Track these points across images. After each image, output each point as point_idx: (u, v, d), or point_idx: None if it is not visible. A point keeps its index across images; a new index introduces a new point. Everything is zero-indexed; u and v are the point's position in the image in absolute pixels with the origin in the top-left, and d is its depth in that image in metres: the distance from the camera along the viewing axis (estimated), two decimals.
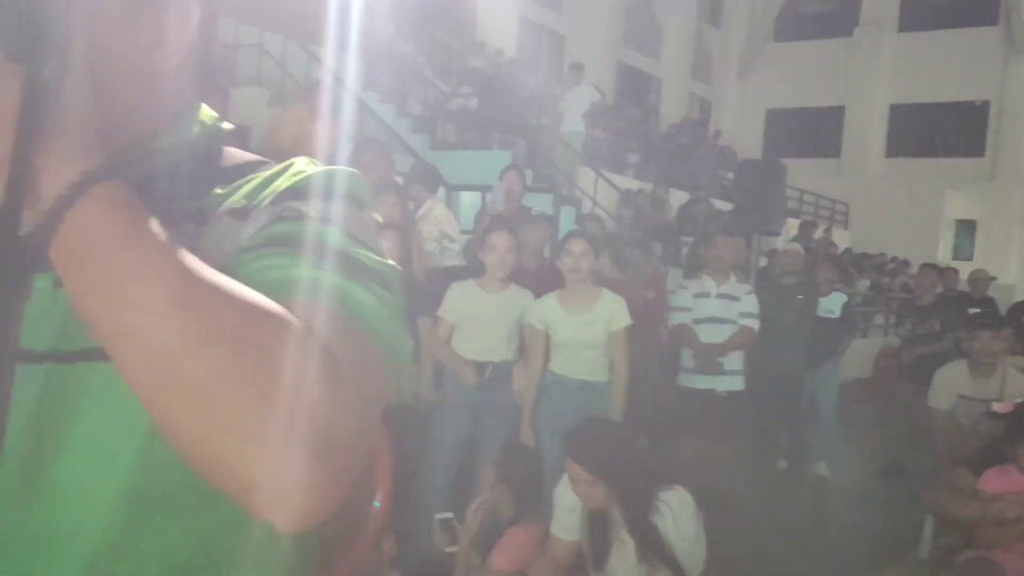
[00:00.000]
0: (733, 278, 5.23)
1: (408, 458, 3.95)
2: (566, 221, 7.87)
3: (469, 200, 7.75)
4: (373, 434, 0.66)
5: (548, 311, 4.14)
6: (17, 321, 0.60)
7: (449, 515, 3.52)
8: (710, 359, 5.04)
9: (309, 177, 0.76)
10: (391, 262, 0.76)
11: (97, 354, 0.62)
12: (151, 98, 0.74)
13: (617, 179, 11.18)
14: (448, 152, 9.61)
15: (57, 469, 0.69)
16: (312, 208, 0.73)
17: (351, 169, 0.80)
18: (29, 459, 0.69)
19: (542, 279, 4.56)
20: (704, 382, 5.08)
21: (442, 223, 5.51)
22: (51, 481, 0.69)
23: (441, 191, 6.63)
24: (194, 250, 0.62)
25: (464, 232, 6.06)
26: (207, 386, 0.57)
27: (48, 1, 0.59)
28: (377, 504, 1.05)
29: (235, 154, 0.83)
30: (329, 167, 0.78)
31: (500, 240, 4.14)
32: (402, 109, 10.34)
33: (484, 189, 7.17)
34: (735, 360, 5.10)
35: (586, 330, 4.08)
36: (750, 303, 5.13)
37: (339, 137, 5.36)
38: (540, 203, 7.68)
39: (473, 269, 4.51)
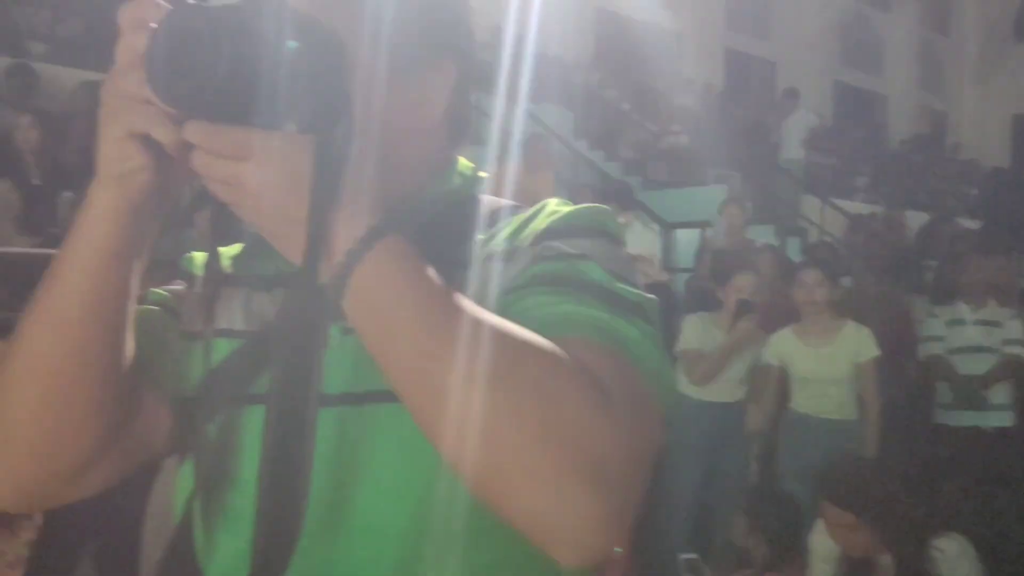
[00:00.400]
0: (993, 302, 4.74)
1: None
2: (792, 252, 7.54)
3: (686, 237, 7.62)
4: (647, 469, 0.66)
5: (785, 346, 3.92)
6: (319, 368, 0.66)
7: (693, 555, 3.40)
8: (973, 393, 4.57)
9: (564, 216, 0.79)
10: (650, 296, 0.77)
11: (385, 396, 0.68)
12: (418, 153, 0.80)
13: (845, 204, 10.58)
14: (662, 191, 9.51)
15: (355, 506, 0.73)
16: (570, 246, 0.75)
17: (603, 206, 0.83)
18: (330, 497, 0.73)
19: (771, 313, 4.34)
20: (967, 418, 4.60)
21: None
22: (351, 517, 0.73)
23: (656, 227, 6.57)
24: (466, 294, 0.66)
25: (684, 270, 5.95)
26: (490, 423, 0.60)
27: (332, 76, 0.64)
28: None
29: (492, 201, 0.87)
30: (581, 205, 0.81)
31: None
32: (612, 153, 10.37)
33: (702, 225, 7.01)
34: (1002, 393, 4.58)
35: (829, 364, 3.83)
36: (1015, 329, 4.62)
37: (554, 186, 5.42)
38: (763, 235, 7.41)
39: (693, 303, 4.40)
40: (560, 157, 7.82)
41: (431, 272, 0.65)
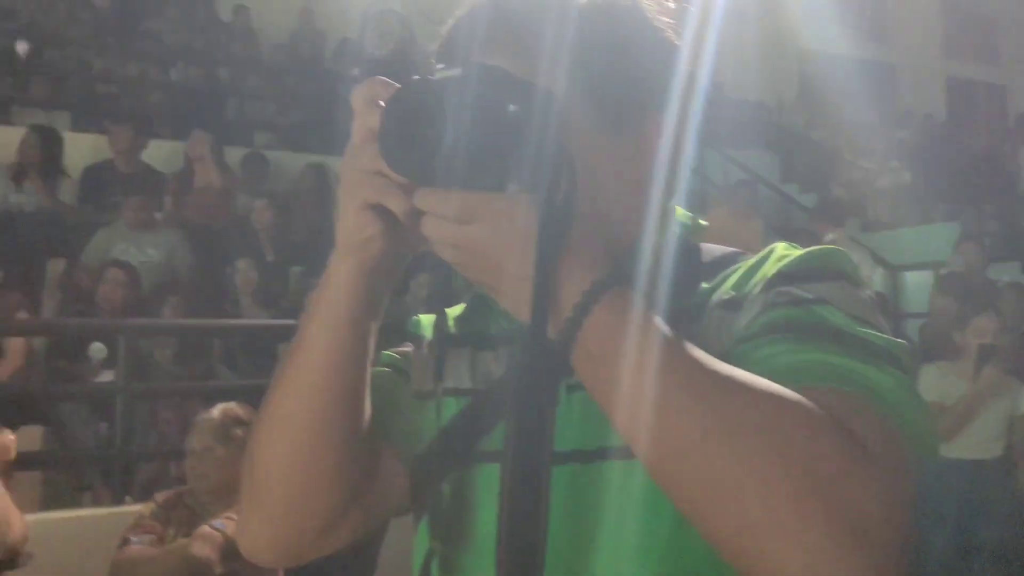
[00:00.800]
0: None
1: None
2: None
3: (915, 280, 7.11)
4: (910, 528, 0.63)
5: None
6: (552, 426, 0.67)
7: None
8: None
9: (796, 260, 0.76)
10: (900, 340, 0.71)
11: (615, 453, 0.69)
12: (635, 205, 0.79)
13: None
14: (884, 232, 8.95)
15: (594, 564, 0.73)
16: (805, 291, 0.72)
17: (838, 248, 0.79)
18: (568, 555, 0.73)
19: (1020, 358, 3.91)
20: None
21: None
22: (589, 574, 0.73)
23: (878, 270, 6.18)
24: (695, 345, 0.64)
25: (916, 315, 5.54)
26: (733, 479, 0.58)
27: (551, 135, 0.66)
28: None
29: (712, 248, 0.85)
30: (813, 248, 0.78)
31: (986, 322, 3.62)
32: (826, 195, 9.91)
33: (934, 266, 6.53)
34: None
35: None
36: None
37: (765, 233, 5.24)
38: (1006, 272, 6.78)
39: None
40: (768, 203, 7.56)
41: (660, 323, 0.64)
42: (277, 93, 8.44)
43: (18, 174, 5.45)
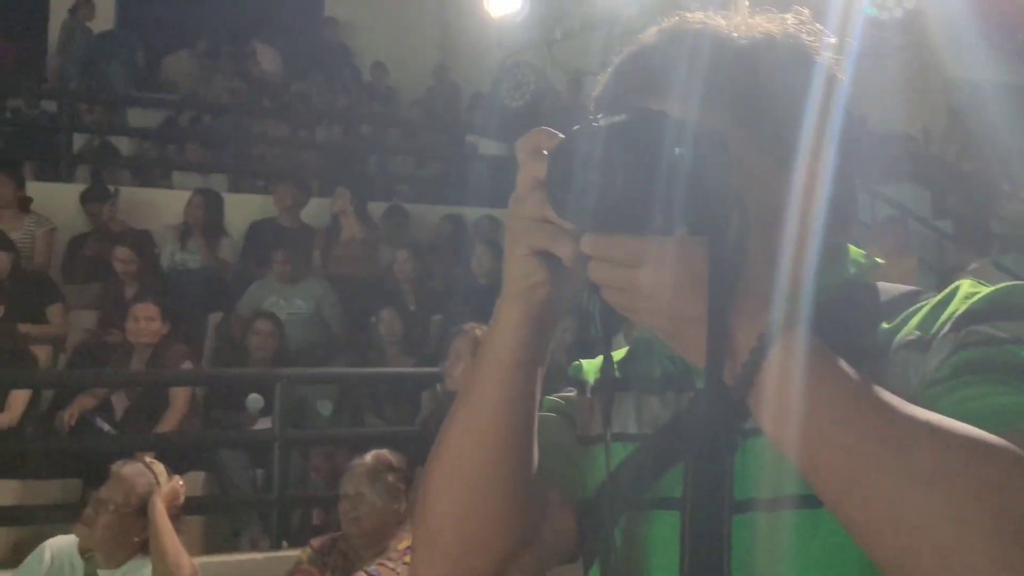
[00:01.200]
0: None
1: None
2: None
3: None
4: None
5: None
6: (731, 473, 0.66)
7: None
8: None
9: (985, 297, 0.73)
10: None
11: (801, 501, 0.67)
12: (805, 243, 0.76)
13: None
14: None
15: None
16: (999, 330, 0.70)
17: None
18: None
19: None
20: None
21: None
22: None
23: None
24: (880, 387, 0.62)
25: None
26: (931, 526, 0.56)
27: (719, 175, 0.65)
28: None
29: (889, 287, 0.83)
30: (1003, 284, 0.75)
31: None
32: (983, 229, 9.37)
33: None
34: None
35: None
36: None
37: (918, 271, 4.99)
38: None
39: None
40: (919, 238, 7.21)
41: (843, 365, 0.62)
42: (414, 148, 8.74)
43: (183, 234, 5.84)
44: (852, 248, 0.84)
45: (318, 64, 9.64)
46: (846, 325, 0.76)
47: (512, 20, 7.08)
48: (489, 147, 7.84)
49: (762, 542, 0.72)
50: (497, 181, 7.13)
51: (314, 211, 6.52)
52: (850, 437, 0.59)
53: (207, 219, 5.85)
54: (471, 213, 6.91)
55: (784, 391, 0.62)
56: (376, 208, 6.75)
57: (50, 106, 7.79)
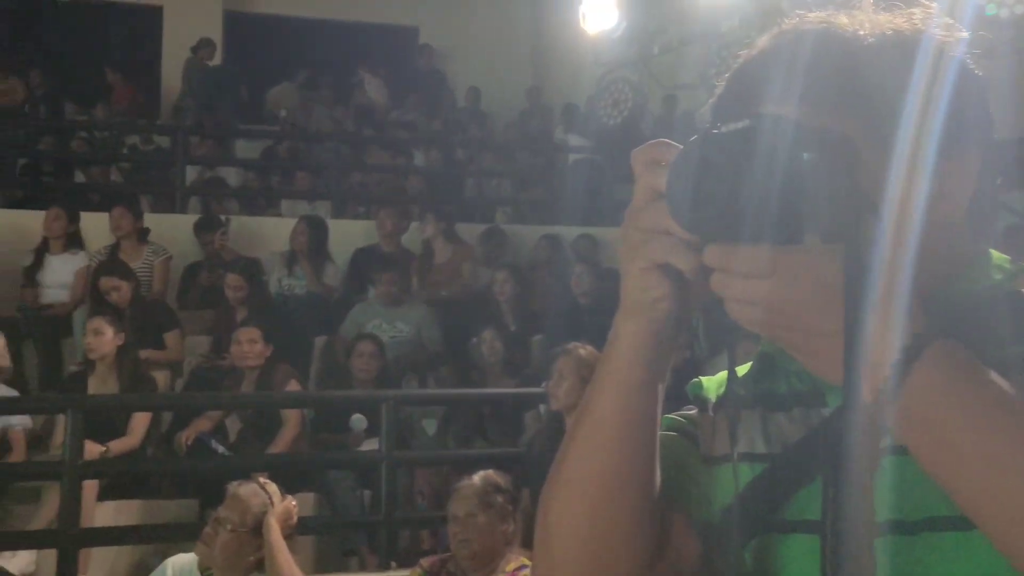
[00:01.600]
0: None
1: None
2: None
3: None
4: None
5: None
6: (872, 494, 0.63)
7: None
8: None
9: None
10: None
11: (948, 523, 0.65)
12: (945, 249, 0.75)
13: None
14: None
15: None
16: None
17: None
18: None
19: None
20: None
21: None
22: None
23: None
24: None
25: None
26: None
27: (850, 180, 0.63)
28: None
29: None
30: None
31: None
32: None
33: None
34: None
35: None
36: None
37: None
38: None
39: None
40: None
41: (995, 377, 0.59)
42: (510, 170, 8.81)
43: (290, 260, 6.02)
44: (995, 253, 0.80)
45: (415, 91, 9.85)
46: (993, 334, 0.71)
47: (609, 36, 7.06)
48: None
49: (907, 566, 0.69)
50: (592, 195, 7.13)
51: (413, 236, 6.64)
52: (1004, 455, 0.57)
53: (312, 245, 6.02)
54: (567, 232, 6.91)
55: (931, 408, 0.59)
56: (474, 230, 6.81)
57: (163, 141, 8.18)
